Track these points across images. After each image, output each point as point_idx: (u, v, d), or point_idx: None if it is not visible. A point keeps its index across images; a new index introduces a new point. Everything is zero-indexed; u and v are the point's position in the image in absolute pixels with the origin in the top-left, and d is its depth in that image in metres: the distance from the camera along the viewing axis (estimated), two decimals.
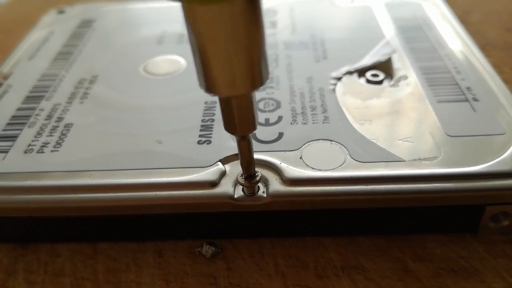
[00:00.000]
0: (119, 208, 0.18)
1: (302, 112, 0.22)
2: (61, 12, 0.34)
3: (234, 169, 0.19)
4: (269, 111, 0.22)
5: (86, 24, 0.32)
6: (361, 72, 0.24)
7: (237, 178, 0.18)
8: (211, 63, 0.13)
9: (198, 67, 0.14)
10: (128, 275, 0.18)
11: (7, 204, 0.19)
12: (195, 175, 0.19)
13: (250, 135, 0.16)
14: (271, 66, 0.25)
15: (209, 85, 0.14)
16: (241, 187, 0.18)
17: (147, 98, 0.24)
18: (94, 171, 0.19)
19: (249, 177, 0.18)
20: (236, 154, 0.19)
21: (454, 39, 0.27)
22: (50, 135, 0.21)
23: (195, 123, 0.21)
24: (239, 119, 0.15)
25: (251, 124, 0.15)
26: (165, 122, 0.22)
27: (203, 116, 0.22)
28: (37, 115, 0.23)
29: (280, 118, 0.21)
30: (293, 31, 0.29)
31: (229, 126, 0.16)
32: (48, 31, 0.31)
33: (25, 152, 0.20)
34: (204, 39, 0.13)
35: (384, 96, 0.23)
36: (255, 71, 0.14)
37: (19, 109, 0.23)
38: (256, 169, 0.18)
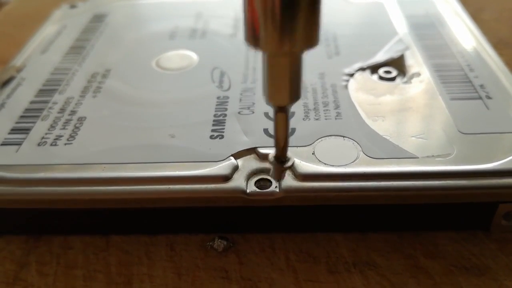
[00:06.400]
0: (132, 201, 0.18)
1: (315, 108, 0.22)
2: (73, 6, 0.34)
3: (247, 163, 0.19)
4: None
5: (98, 18, 0.32)
6: (374, 68, 0.24)
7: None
8: (258, 17, 0.13)
9: (246, 21, 0.14)
10: (140, 268, 0.19)
11: (20, 196, 0.19)
12: (207, 169, 0.19)
13: (289, 110, 0.16)
14: None
15: (254, 39, 0.14)
16: (253, 182, 0.18)
17: (160, 92, 0.24)
18: (107, 164, 0.19)
19: (280, 160, 0.17)
20: (248, 149, 0.19)
21: (467, 36, 0.27)
22: (64, 128, 0.21)
23: (207, 118, 0.21)
24: (272, 84, 0.15)
25: (285, 94, 0.15)
26: (177, 116, 0.22)
27: (215, 111, 0.22)
28: (50, 108, 0.23)
29: (292, 114, 0.21)
30: None
31: (264, 90, 0.15)
32: (61, 26, 0.31)
33: (39, 144, 0.21)
34: None
35: (397, 92, 0.23)
36: (298, 32, 0.13)
37: (32, 102, 0.23)
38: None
